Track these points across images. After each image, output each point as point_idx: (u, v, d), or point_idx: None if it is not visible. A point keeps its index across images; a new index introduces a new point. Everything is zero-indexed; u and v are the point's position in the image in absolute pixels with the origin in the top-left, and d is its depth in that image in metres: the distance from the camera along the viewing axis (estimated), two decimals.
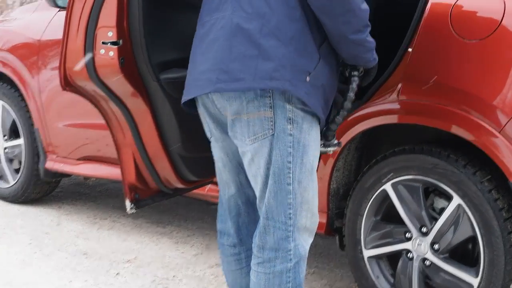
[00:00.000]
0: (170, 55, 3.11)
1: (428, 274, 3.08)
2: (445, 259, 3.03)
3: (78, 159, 4.43)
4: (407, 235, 3.12)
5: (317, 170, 2.55)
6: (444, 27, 2.92)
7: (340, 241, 3.44)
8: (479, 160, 2.93)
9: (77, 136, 4.39)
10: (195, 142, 3.22)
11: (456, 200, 2.94)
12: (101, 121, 3.23)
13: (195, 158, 3.30)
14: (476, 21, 2.90)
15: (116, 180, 4.07)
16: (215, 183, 3.64)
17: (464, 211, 2.93)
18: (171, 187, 3.39)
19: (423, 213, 3.06)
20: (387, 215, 3.26)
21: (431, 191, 3.13)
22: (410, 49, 3.05)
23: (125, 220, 4.58)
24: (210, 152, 3.36)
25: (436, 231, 3.02)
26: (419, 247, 3.08)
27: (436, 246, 3.03)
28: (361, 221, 3.25)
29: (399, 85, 3.05)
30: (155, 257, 4.00)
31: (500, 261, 2.86)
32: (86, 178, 4.81)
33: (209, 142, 3.28)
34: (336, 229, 3.44)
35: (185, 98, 2.53)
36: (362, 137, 3.30)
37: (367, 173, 3.20)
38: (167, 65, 3.08)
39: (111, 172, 4.22)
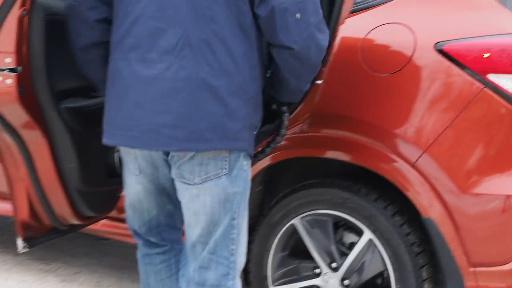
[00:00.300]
0: (70, 83, 2.94)
1: None
2: None
3: None
4: (316, 270, 3.06)
5: None
6: (354, 60, 2.89)
7: (245, 278, 3.33)
8: (390, 194, 2.91)
9: None
10: (94, 176, 3.06)
11: (367, 234, 2.90)
12: None
13: (94, 193, 3.12)
14: (387, 55, 2.88)
15: None
16: (110, 218, 3.52)
17: (375, 246, 2.89)
18: (67, 224, 3.18)
19: (333, 248, 3.01)
20: (295, 250, 3.18)
21: (340, 226, 3.07)
22: (318, 82, 3.00)
23: (5, 257, 4.29)
24: (110, 186, 3.23)
25: (346, 267, 2.97)
26: (329, 283, 3.02)
27: (346, 282, 2.99)
28: (268, 257, 3.16)
29: (307, 118, 2.99)
30: None
31: None
32: None
33: (108, 176, 3.13)
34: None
35: (129, 144, 2.41)
36: (267, 170, 3.21)
37: (275, 207, 3.13)
38: (67, 94, 2.91)
39: None
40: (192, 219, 2.44)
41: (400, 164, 2.78)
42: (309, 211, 3.03)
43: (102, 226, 3.62)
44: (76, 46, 2.62)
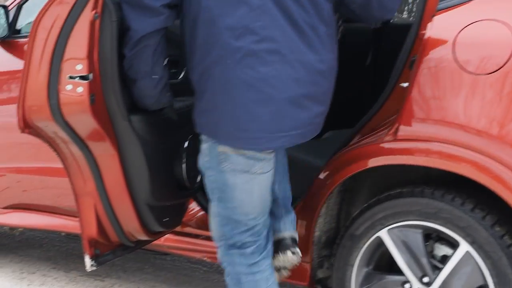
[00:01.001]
0: None
1: None
2: None
3: (5, 207, 3.91)
4: (406, 286, 2.83)
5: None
6: (446, 60, 2.67)
7: None
8: (487, 202, 2.69)
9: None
10: (164, 189, 2.87)
11: (464, 246, 2.67)
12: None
13: (163, 207, 2.93)
14: (483, 54, 2.64)
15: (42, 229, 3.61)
16: (174, 232, 3.31)
17: (473, 259, 2.66)
18: (134, 240, 2.99)
19: (425, 261, 2.78)
20: (379, 265, 2.96)
21: (430, 237, 2.84)
22: (404, 84, 2.80)
23: (57, 274, 4.10)
24: (178, 199, 3.03)
25: (441, 281, 2.73)
26: None
27: None
28: (352, 272, 2.93)
29: (392, 123, 2.78)
30: None
31: None
32: (12, 228, 4.27)
33: (177, 189, 2.93)
34: (318, 281, 3.12)
35: (295, 142, 2.50)
36: (345, 179, 2.99)
37: (358, 219, 2.90)
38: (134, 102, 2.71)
39: (47, 221, 3.73)
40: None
41: (503, 171, 2.54)
42: (397, 222, 2.80)
43: (165, 241, 3.40)
44: (136, 34, 2.39)
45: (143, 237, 2.96)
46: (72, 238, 4.57)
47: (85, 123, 2.53)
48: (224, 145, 2.44)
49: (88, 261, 2.85)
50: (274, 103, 2.35)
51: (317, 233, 3.05)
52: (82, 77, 2.44)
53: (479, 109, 2.61)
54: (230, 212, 2.59)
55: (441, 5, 2.75)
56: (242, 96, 2.34)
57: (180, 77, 3.01)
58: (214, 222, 2.68)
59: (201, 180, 3.00)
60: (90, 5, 2.38)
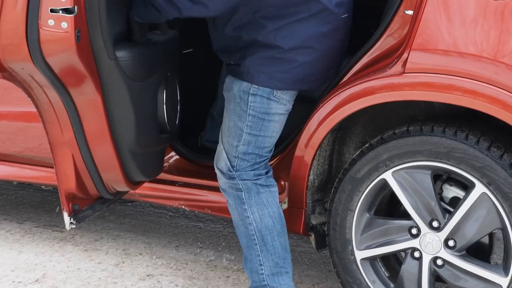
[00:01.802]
0: (121, 25, 2.42)
1: (442, 276, 2.63)
2: (463, 257, 2.59)
3: None
4: (413, 231, 2.65)
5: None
6: None
7: (317, 241, 2.92)
8: (503, 140, 2.51)
9: None
10: (148, 134, 2.59)
11: (480, 188, 2.49)
12: None
13: (146, 154, 2.65)
14: None
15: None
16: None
17: (490, 201, 2.49)
18: (113, 192, 2.71)
19: (434, 204, 2.59)
20: (383, 209, 2.78)
21: (438, 178, 2.66)
22: (409, 12, 2.57)
23: (10, 226, 3.76)
24: (161, 145, 2.77)
25: (453, 225, 2.56)
26: (430, 244, 2.62)
27: (451, 243, 2.58)
28: (352, 218, 2.74)
29: (399, 55, 2.55)
30: (68, 272, 3.25)
31: None
32: None
33: (159, 134, 2.66)
34: (311, 228, 2.91)
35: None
36: None
37: (360, 161, 2.69)
38: (118, 39, 2.40)
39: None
40: None
41: None
42: (404, 163, 2.60)
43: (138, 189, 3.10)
44: None
45: (124, 188, 2.69)
46: (20, 185, 4.21)
47: (68, 63, 2.21)
48: None
49: (67, 218, 2.57)
50: None
51: (311, 177, 2.82)
52: (66, 10, 2.09)
53: (502, 39, 2.40)
54: (261, 141, 2.67)
55: None
56: None
57: None
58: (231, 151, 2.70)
59: (179, 122, 2.84)
60: None
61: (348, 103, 2.62)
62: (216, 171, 2.77)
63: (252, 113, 2.65)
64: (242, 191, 2.71)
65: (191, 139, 3.29)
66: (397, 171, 2.62)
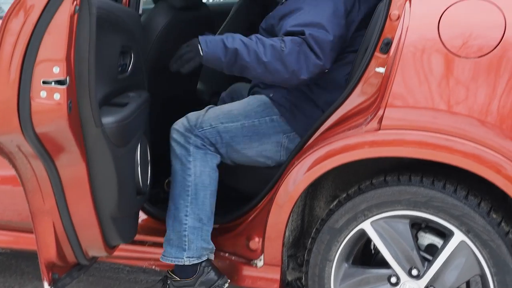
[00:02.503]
0: (105, 88, 2.39)
1: None
2: None
3: None
4: (392, 279, 2.69)
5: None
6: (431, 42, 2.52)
7: None
8: (478, 188, 2.59)
9: None
10: (128, 198, 2.55)
11: (458, 236, 2.56)
12: None
13: (124, 218, 2.61)
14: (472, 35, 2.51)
15: None
16: None
17: (469, 248, 2.55)
18: (89, 257, 2.65)
19: (414, 253, 2.64)
20: (361, 258, 2.81)
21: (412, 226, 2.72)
22: (379, 69, 2.62)
23: None
24: (138, 207, 2.74)
25: (433, 273, 2.62)
26: None
27: None
28: (331, 268, 2.76)
29: (372, 112, 2.60)
30: None
31: None
32: None
33: (136, 197, 2.64)
34: (287, 284, 2.92)
35: None
36: None
37: (337, 211, 2.72)
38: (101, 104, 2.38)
39: None
40: None
41: (502, 162, 2.43)
42: (383, 213, 2.65)
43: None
44: None
45: (102, 253, 2.64)
46: None
47: (57, 134, 2.16)
48: None
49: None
50: None
51: (287, 233, 2.84)
52: (59, 82, 2.05)
53: (472, 94, 2.47)
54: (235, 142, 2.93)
55: None
56: None
57: (129, 70, 2.65)
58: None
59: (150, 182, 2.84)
60: None
61: (326, 159, 2.64)
62: (172, 131, 2.89)
63: (259, 124, 2.90)
64: (191, 145, 2.85)
65: (153, 191, 3.26)
66: (375, 221, 2.66)
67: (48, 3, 2.00)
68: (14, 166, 2.30)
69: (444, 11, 2.50)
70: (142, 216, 3.03)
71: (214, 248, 2.91)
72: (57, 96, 2.07)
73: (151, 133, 2.83)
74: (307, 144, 2.79)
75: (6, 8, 2.02)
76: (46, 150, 2.21)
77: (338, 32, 2.78)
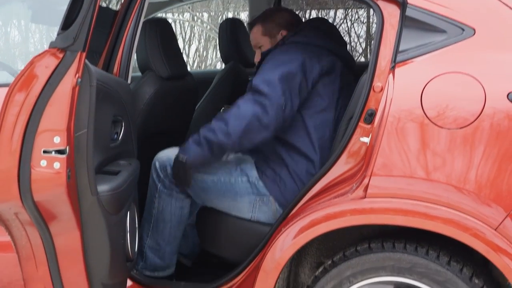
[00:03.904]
0: (99, 157, 2.45)
1: None
2: None
3: None
4: None
5: None
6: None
7: None
8: (459, 254, 2.67)
9: None
10: (119, 265, 2.59)
11: None
12: None
13: (115, 284, 2.65)
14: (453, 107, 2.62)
15: None
16: None
17: None
18: None
19: None
20: None
21: None
22: (364, 139, 2.72)
23: None
24: (126, 274, 2.78)
25: None
26: None
27: None
28: None
29: (357, 180, 2.68)
30: None
31: None
32: None
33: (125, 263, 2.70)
34: None
35: None
36: None
37: (323, 278, 2.77)
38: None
39: None
40: None
41: (483, 228, 2.52)
42: (368, 279, 2.71)
43: None
44: None
45: None
46: None
47: (55, 202, 2.21)
48: None
49: None
50: None
51: None
52: (59, 151, 2.11)
53: (454, 164, 2.57)
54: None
55: (400, 57, 2.68)
56: None
57: (120, 139, 2.72)
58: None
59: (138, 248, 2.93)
60: (73, 69, 2.07)
61: (314, 226, 2.70)
62: (153, 161, 3.14)
63: (234, 183, 3.10)
64: (160, 182, 3.11)
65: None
66: (361, 287, 2.71)
67: (51, 76, 2.07)
68: (10, 233, 2.33)
69: (426, 84, 2.60)
70: (128, 282, 3.05)
71: (173, 263, 3.25)
72: (57, 165, 2.12)
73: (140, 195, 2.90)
74: (293, 211, 2.85)
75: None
76: (42, 218, 2.25)
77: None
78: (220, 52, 4.55)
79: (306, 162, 3.03)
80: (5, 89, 2.16)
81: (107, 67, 2.82)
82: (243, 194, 3.08)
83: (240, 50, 4.36)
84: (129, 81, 2.96)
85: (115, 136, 2.68)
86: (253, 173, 3.10)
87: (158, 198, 3.12)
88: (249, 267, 2.92)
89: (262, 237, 2.92)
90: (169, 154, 3.10)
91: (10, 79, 2.29)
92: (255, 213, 3.08)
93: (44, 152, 2.13)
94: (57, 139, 2.11)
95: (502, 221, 2.52)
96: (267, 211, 3.07)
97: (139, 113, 3.12)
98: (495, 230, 2.52)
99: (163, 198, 3.13)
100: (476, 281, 2.60)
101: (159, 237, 3.15)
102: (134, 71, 3.74)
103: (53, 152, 2.12)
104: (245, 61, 4.38)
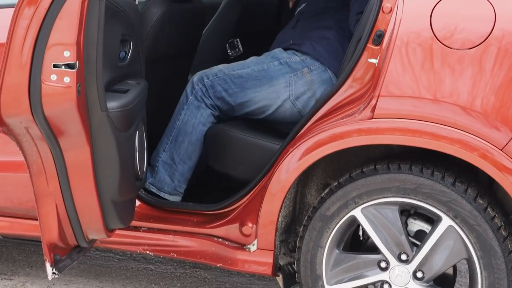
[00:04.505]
0: (108, 75, 2.46)
1: None
2: None
3: None
4: (382, 264, 2.78)
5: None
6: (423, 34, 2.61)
7: (284, 281, 3.01)
8: (464, 175, 2.69)
9: None
10: (128, 182, 2.61)
11: (446, 221, 2.66)
12: None
13: (124, 202, 2.68)
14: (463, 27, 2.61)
15: None
16: None
17: (456, 233, 2.66)
18: (88, 240, 2.71)
19: (403, 238, 2.74)
20: (351, 244, 2.90)
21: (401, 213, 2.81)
22: (372, 60, 2.71)
23: None
24: (136, 192, 2.82)
25: (421, 258, 2.71)
26: (399, 277, 2.76)
27: (419, 275, 2.73)
28: (322, 254, 2.84)
29: (365, 101, 2.69)
30: None
31: (502, 284, 2.64)
32: None
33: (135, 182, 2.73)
34: (279, 268, 3.00)
35: None
36: None
37: (329, 199, 2.80)
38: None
39: None
40: None
41: (489, 149, 2.54)
42: (373, 200, 2.74)
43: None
44: None
45: (102, 236, 2.70)
46: None
47: (65, 116, 2.22)
48: None
49: (49, 269, 2.56)
50: None
51: (279, 220, 2.91)
52: (69, 65, 2.12)
53: (463, 85, 2.57)
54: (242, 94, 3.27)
55: None
56: None
57: (128, 58, 2.72)
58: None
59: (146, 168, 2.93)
60: None
61: (320, 147, 2.72)
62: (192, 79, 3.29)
63: (267, 68, 3.25)
64: (192, 95, 3.23)
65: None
66: (366, 207, 2.75)
67: None
68: (21, 148, 2.35)
69: (436, 4, 2.59)
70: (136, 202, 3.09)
71: (180, 191, 3.28)
72: (67, 79, 2.13)
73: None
74: (300, 133, 2.86)
75: None
76: (53, 133, 2.27)
77: None
78: None
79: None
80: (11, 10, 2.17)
81: None
82: (278, 76, 3.22)
83: None
84: (136, 2, 2.95)
85: (124, 55, 2.68)
86: (283, 55, 3.27)
87: (185, 110, 3.24)
88: (256, 187, 2.95)
89: (270, 156, 2.93)
90: (205, 69, 3.29)
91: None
92: (292, 90, 3.22)
93: (54, 66, 2.14)
94: (67, 53, 2.11)
95: (508, 141, 2.52)
96: (303, 84, 3.22)
97: (147, 35, 3.11)
98: (501, 150, 2.53)
99: (191, 110, 3.24)
100: (481, 201, 2.63)
101: (175, 151, 3.25)
102: None
103: (63, 66, 2.13)
104: None
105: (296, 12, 3.51)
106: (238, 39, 3.80)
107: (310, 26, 3.34)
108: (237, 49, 3.99)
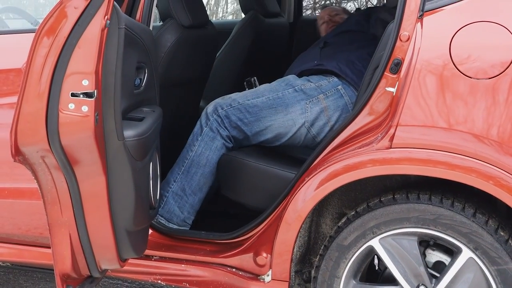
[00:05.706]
0: (124, 103, 2.42)
1: None
2: None
3: None
4: None
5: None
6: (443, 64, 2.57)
7: None
8: (484, 206, 2.64)
9: None
10: (143, 212, 2.57)
11: (467, 253, 2.61)
12: None
13: (139, 231, 2.63)
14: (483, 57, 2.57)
15: None
16: None
17: (477, 265, 2.61)
18: (101, 270, 2.67)
19: (422, 269, 2.69)
20: (367, 275, 2.85)
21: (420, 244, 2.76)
22: (390, 89, 2.68)
23: None
24: (150, 221, 2.78)
25: None
26: None
27: None
28: (339, 284, 2.79)
29: (383, 130, 2.65)
30: None
31: None
32: None
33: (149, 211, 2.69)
34: None
35: None
36: None
37: (346, 228, 2.75)
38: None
39: None
40: None
41: (506, 177, 2.49)
42: (391, 230, 2.69)
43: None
44: None
45: (115, 266, 2.65)
46: None
47: (82, 146, 2.18)
48: None
49: None
50: None
51: (295, 250, 2.87)
52: (87, 94, 2.08)
53: (481, 115, 2.53)
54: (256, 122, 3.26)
55: (428, 5, 2.64)
56: None
57: (143, 85, 2.69)
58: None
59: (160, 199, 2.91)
60: (102, 10, 2.04)
61: (339, 176, 2.68)
62: (206, 109, 3.26)
63: (283, 96, 3.23)
64: (207, 126, 3.21)
65: None
66: (384, 238, 2.70)
67: (80, 17, 2.03)
68: (36, 177, 2.31)
69: (455, 33, 2.56)
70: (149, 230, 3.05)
71: (188, 223, 3.24)
72: (85, 108, 2.10)
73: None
74: (316, 161, 2.82)
75: None
76: (69, 162, 2.23)
77: None
78: (239, 1, 4.51)
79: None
80: (27, 35, 2.14)
81: (130, 12, 2.78)
82: (293, 104, 3.22)
83: (260, 0, 4.31)
84: (151, 28, 2.92)
85: (139, 82, 2.65)
86: (297, 82, 3.28)
87: (200, 141, 3.20)
88: (271, 216, 2.91)
89: (283, 185, 2.89)
90: (218, 99, 3.27)
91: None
92: (308, 117, 3.21)
93: (72, 95, 2.10)
94: (85, 82, 2.08)
95: None
96: (319, 110, 3.22)
97: (160, 61, 3.08)
98: None
99: (205, 141, 3.21)
100: (502, 233, 2.58)
101: (187, 183, 3.19)
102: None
103: (81, 95, 2.10)
104: (264, 11, 4.33)
105: (324, 36, 3.57)
106: (255, 78, 3.76)
107: (340, 49, 3.36)
108: (254, 88, 3.96)
